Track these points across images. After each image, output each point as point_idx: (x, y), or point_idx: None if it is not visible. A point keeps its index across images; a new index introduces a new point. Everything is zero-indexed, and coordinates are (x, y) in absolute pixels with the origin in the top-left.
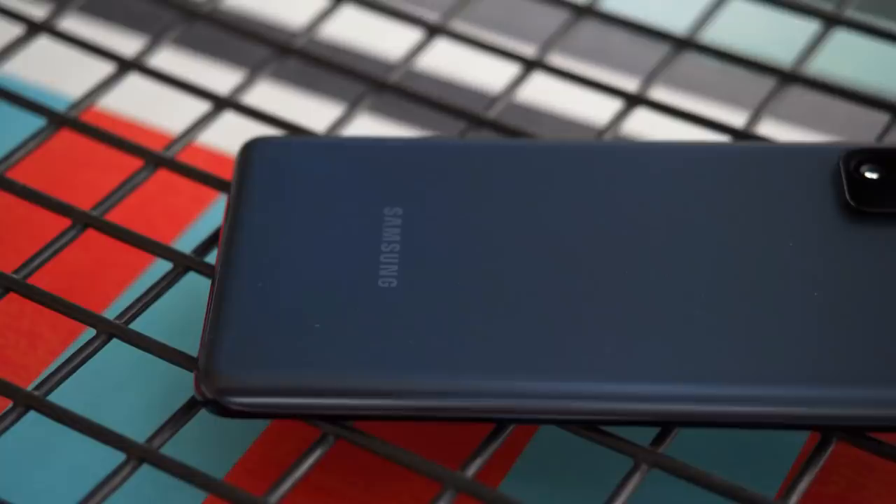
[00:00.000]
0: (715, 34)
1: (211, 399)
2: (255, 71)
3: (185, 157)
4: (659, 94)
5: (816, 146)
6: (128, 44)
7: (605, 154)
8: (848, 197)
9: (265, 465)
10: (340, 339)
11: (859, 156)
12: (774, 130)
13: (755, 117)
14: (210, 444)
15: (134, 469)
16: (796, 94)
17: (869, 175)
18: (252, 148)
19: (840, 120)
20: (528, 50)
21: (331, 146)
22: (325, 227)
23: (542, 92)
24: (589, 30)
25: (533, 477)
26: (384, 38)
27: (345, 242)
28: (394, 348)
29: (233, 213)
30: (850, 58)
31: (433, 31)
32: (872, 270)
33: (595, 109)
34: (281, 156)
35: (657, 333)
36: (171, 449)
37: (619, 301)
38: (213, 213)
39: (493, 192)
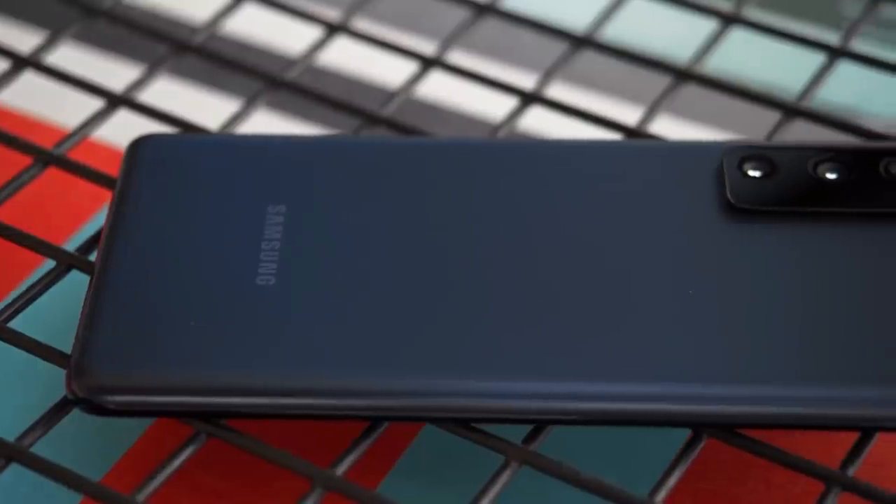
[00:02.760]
0: (619, 32)
1: (82, 397)
2: (152, 68)
3: (87, 156)
4: (562, 91)
5: (702, 144)
6: (28, 40)
7: (492, 152)
8: (728, 195)
9: (148, 463)
10: (214, 337)
11: (740, 153)
12: (678, 129)
13: (649, 115)
14: (93, 442)
15: (1, 468)
16: (703, 92)
17: (750, 173)
18: (139, 145)
19: (747, 118)
20: (430, 48)
21: (218, 144)
22: (207, 224)
23: (449, 90)
24: (498, 27)
25: (414, 475)
26: (288, 36)
27: (226, 240)
28: (267, 346)
29: (115, 210)
30: (755, 55)
31: (333, 28)
32: (749, 268)
33: (500, 107)
34: (167, 153)
35: (530, 330)
36: (50, 448)
37: (493, 298)
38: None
39: (379, 190)
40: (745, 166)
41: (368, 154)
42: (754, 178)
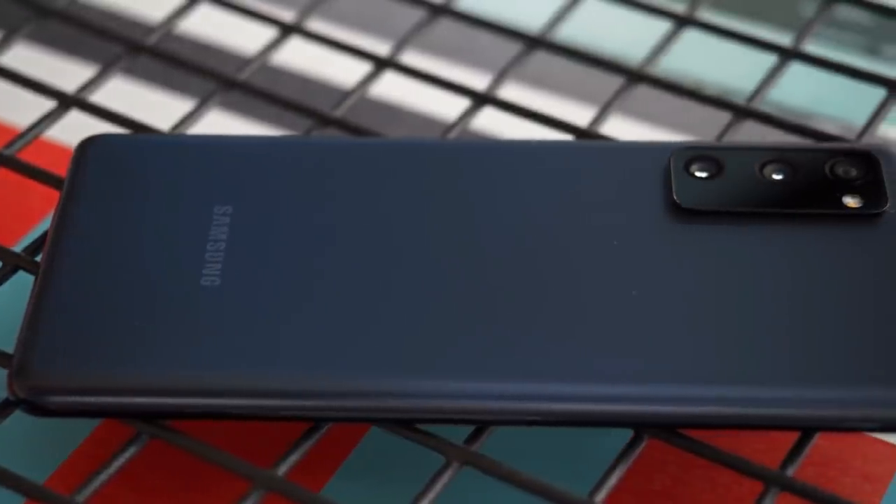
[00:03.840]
0: (575, 32)
1: (23, 398)
2: (105, 68)
3: (39, 156)
4: (518, 91)
5: (651, 145)
6: None
7: (441, 153)
8: (674, 195)
9: (94, 464)
10: (155, 338)
11: (687, 154)
12: (633, 129)
13: (600, 116)
14: (40, 443)
15: None
16: (659, 92)
17: (697, 173)
18: (87, 146)
19: (703, 119)
20: (387, 49)
21: (166, 144)
22: (153, 225)
23: (405, 90)
24: (458, 28)
25: (361, 476)
26: (246, 36)
27: (172, 241)
28: (209, 347)
29: (61, 210)
30: (712, 56)
31: (287, 29)
32: (694, 268)
33: (456, 108)
34: (115, 153)
35: (473, 330)
36: None
37: (436, 298)
38: None
39: (325, 191)
40: (693, 167)
41: (316, 155)
42: (701, 178)
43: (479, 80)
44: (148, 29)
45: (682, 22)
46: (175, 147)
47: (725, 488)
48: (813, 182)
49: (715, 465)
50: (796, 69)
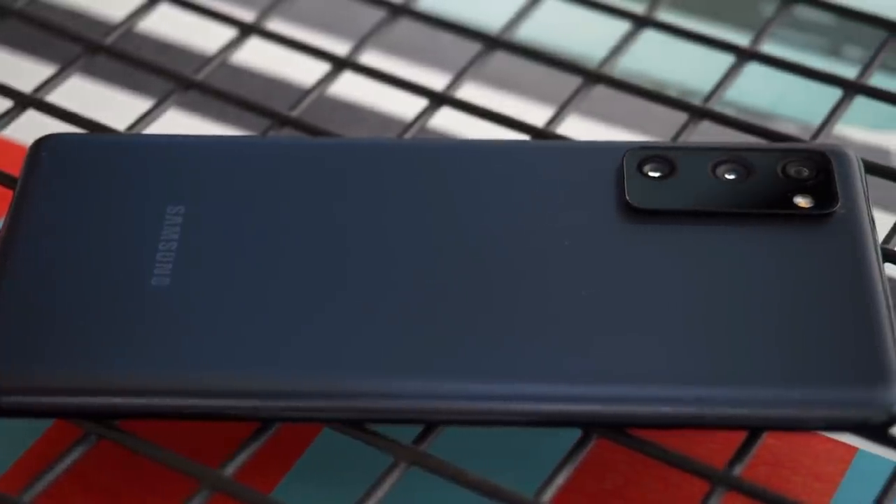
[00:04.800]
0: (536, 33)
1: None
2: (64, 68)
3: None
4: (479, 91)
5: (605, 145)
6: None
7: (396, 152)
8: (627, 195)
9: (44, 464)
10: (105, 338)
11: (641, 154)
12: (595, 130)
13: (557, 116)
14: None
15: None
16: (620, 93)
17: (650, 174)
18: (41, 145)
19: (663, 119)
20: (347, 49)
21: (121, 144)
22: (105, 224)
23: (367, 90)
24: (421, 28)
25: (313, 477)
26: (207, 36)
27: (123, 241)
28: (158, 346)
29: (14, 209)
30: (674, 56)
31: (246, 29)
32: (642, 268)
33: (416, 108)
34: (69, 153)
35: (420, 330)
36: None
37: (383, 298)
38: None
39: (280, 191)
40: (645, 167)
41: (270, 155)
42: (654, 178)
43: (441, 80)
44: (108, 28)
45: (641, 22)
46: (129, 147)
47: (677, 488)
48: (765, 182)
49: (667, 465)
50: (759, 70)
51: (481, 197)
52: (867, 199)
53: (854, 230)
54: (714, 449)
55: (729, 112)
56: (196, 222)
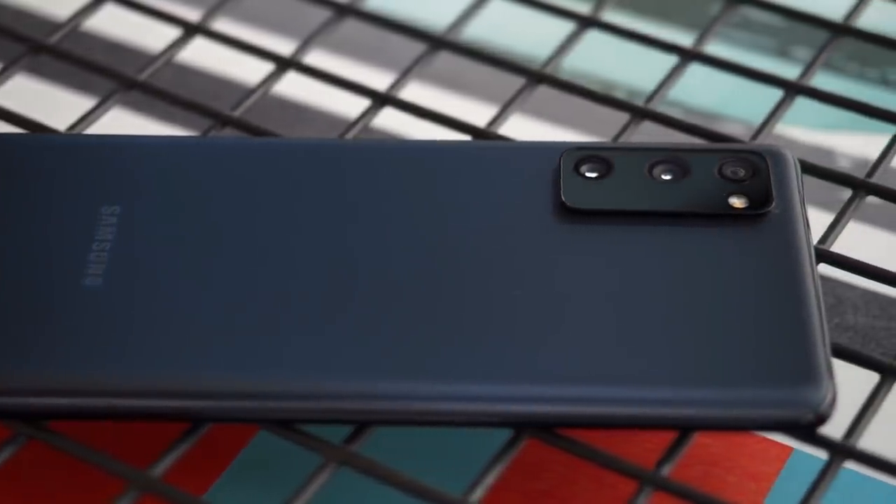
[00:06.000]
0: (483, 33)
1: None
2: (6, 68)
3: None
4: (425, 91)
5: (544, 145)
6: None
7: (334, 153)
8: (562, 195)
9: None
10: (35, 338)
11: (578, 155)
12: (541, 130)
13: (499, 117)
14: None
15: None
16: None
17: (587, 174)
18: None
19: (610, 119)
20: (288, 49)
21: (58, 144)
22: (39, 225)
23: (314, 90)
24: (368, 28)
25: (248, 477)
26: (156, 36)
27: (57, 241)
28: (86, 347)
29: None
30: (621, 57)
31: (191, 29)
32: (575, 269)
33: (363, 108)
34: (5, 153)
35: (351, 330)
36: None
37: (316, 298)
38: None
39: (216, 191)
40: (582, 168)
41: (209, 155)
42: (590, 179)
43: (388, 80)
44: (53, 27)
45: (585, 23)
46: (66, 147)
47: (612, 488)
48: (701, 182)
49: (596, 465)
50: (707, 71)
51: (417, 197)
52: (803, 200)
53: (788, 230)
54: (650, 448)
55: (676, 112)
56: (131, 223)
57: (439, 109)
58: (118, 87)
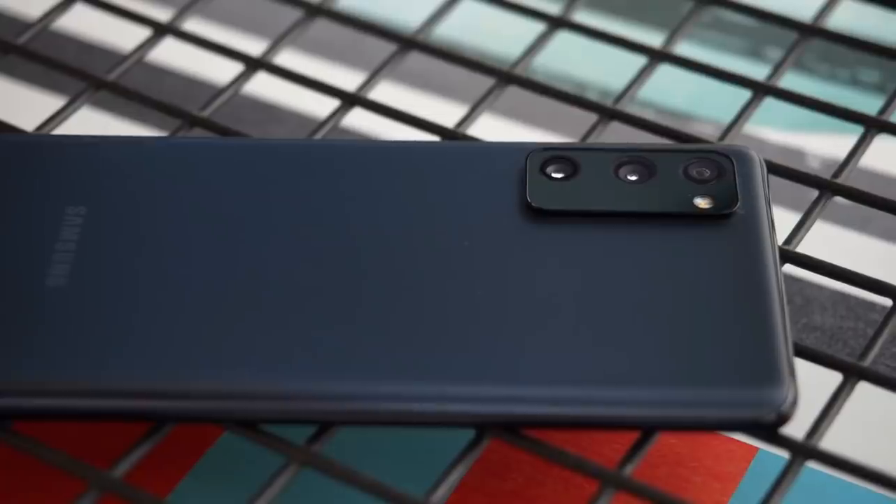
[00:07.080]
0: (457, 33)
1: None
2: None
3: None
4: (397, 91)
5: (511, 145)
6: None
7: (301, 153)
8: (528, 196)
9: None
10: None
11: (543, 155)
12: (513, 130)
13: (468, 117)
14: None
15: None
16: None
17: (553, 174)
18: None
19: (582, 120)
20: (260, 49)
21: (24, 144)
22: (3, 225)
23: (285, 90)
24: (340, 28)
25: (212, 477)
26: (128, 36)
27: (21, 241)
28: (48, 347)
29: None
30: (595, 58)
31: (161, 29)
32: (540, 269)
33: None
34: None
35: (314, 331)
36: None
37: (280, 299)
38: None
39: (183, 192)
40: (548, 168)
41: (175, 156)
42: (556, 179)
43: (360, 80)
44: (24, 27)
45: (555, 23)
46: (32, 147)
47: (578, 488)
48: (667, 183)
49: (559, 465)
50: (678, 71)
51: (383, 197)
52: (768, 200)
53: (753, 231)
54: (617, 449)
55: (648, 112)
56: (96, 223)
57: (410, 109)
58: (87, 88)
